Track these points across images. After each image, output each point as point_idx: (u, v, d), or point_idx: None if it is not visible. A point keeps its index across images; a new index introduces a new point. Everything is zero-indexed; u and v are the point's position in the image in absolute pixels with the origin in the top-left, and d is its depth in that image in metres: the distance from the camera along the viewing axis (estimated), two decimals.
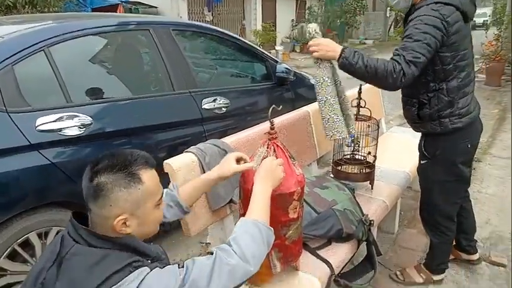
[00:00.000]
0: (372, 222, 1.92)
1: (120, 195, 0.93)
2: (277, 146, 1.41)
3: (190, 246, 2.63)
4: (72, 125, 1.95)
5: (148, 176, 0.98)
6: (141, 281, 0.88)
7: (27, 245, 1.89)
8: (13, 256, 1.86)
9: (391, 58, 1.68)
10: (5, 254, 1.80)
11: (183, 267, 0.94)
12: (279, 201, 1.33)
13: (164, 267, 0.95)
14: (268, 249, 1.07)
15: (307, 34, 1.80)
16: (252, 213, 1.12)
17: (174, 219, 1.31)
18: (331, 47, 1.74)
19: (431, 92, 1.84)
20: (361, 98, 2.19)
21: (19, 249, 1.86)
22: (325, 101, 1.81)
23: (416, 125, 1.99)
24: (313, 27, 1.81)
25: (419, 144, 2.04)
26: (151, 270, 0.91)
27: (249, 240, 1.02)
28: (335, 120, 1.80)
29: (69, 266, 0.90)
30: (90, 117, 2.01)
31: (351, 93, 2.80)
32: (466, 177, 2.02)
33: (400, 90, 2.00)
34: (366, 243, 1.93)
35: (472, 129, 1.91)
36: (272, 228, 1.11)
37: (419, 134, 2.05)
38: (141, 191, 0.96)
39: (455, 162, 1.92)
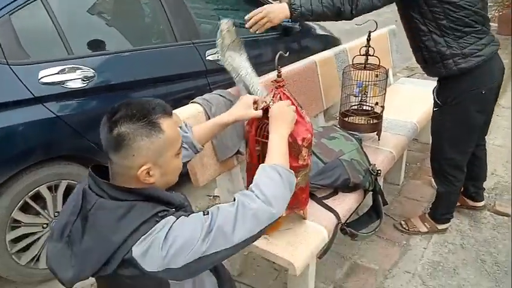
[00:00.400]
0: (379, 172, 1.92)
1: (143, 145, 0.91)
2: (284, 94, 1.38)
3: (198, 198, 2.67)
4: (75, 77, 1.91)
5: (168, 124, 0.95)
6: (169, 230, 0.87)
7: (38, 198, 1.92)
8: (25, 209, 1.89)
9: None
10: (17, 206, 1.83)
11: (207, 214, 0.94)
12: (290, 148, 1.31)
13: (189, 215, 0.94)
14: (291, 192, 1.07)
15: (219, 33, 1.69)
16: (270, 159, 1.11)
17: (187, 160, 1.30)
18: (277, 8, 1.68)
19: (425, 36, 1.81)
20: (369, 46, 2.12)
21: (31, 202, 1.89)
22: (249, 73, 1.73)
23: (425, 69, 1.97)
24: (224, 26, 1.70)
25: (432, 91, 2.01)
26: (177, 218, 0.91)
27: (270, 185, 1.02)
28: (261, 90, 1.72)
29: (96, 220, 0.90)
30: (93, 69, 1.97)
31: (358, 42, 2.74)
32: (478, 126, 1.98)
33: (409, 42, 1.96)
34: (371, 193, 1.94)
35: (484, 71, 1.81)
36: (292, 171, 1.09)
37: (427, 85, 2.01)
38: (162, 139, 0.93)
39: (468, 109, 1.88)
